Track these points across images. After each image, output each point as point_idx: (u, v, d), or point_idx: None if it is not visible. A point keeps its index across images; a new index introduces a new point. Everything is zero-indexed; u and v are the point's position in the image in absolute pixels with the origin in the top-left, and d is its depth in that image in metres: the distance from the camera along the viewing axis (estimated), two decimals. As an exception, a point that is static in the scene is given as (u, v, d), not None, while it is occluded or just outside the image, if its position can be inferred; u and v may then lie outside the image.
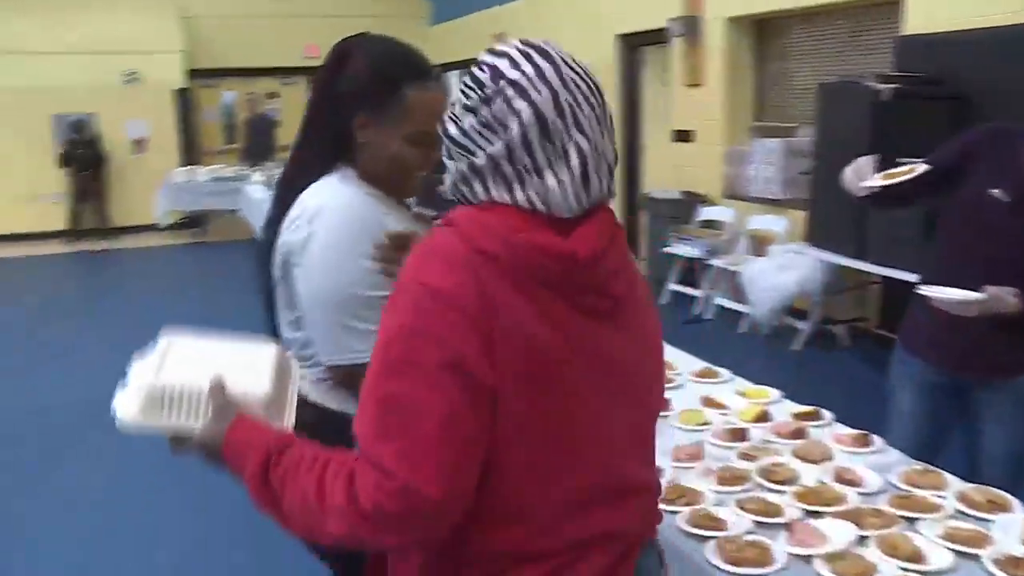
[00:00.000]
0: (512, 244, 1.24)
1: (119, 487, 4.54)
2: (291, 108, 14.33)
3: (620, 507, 1.38)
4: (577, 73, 1.29)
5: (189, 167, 12.21)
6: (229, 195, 10.91)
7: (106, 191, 12.79)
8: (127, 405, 1.40)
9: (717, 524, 1.93)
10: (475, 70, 1.30)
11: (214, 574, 3.70)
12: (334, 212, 1.82)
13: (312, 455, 1.28)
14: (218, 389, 1.39)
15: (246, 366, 1.47)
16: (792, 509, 1.99)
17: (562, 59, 1.30)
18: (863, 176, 2.74)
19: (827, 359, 6.19)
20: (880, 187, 2.68)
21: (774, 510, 1.98)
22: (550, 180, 1.27)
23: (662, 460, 2.26)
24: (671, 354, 3.26)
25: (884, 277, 5.61)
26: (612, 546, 1.37)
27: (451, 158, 1.33)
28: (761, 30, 7.68)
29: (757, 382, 2.90)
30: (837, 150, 5.70)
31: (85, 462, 4.84)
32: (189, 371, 1.41)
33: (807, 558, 1.80)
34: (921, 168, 2.66)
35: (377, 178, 1.92)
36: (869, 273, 5.76)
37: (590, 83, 1.30)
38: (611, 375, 1.35)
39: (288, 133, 13.16)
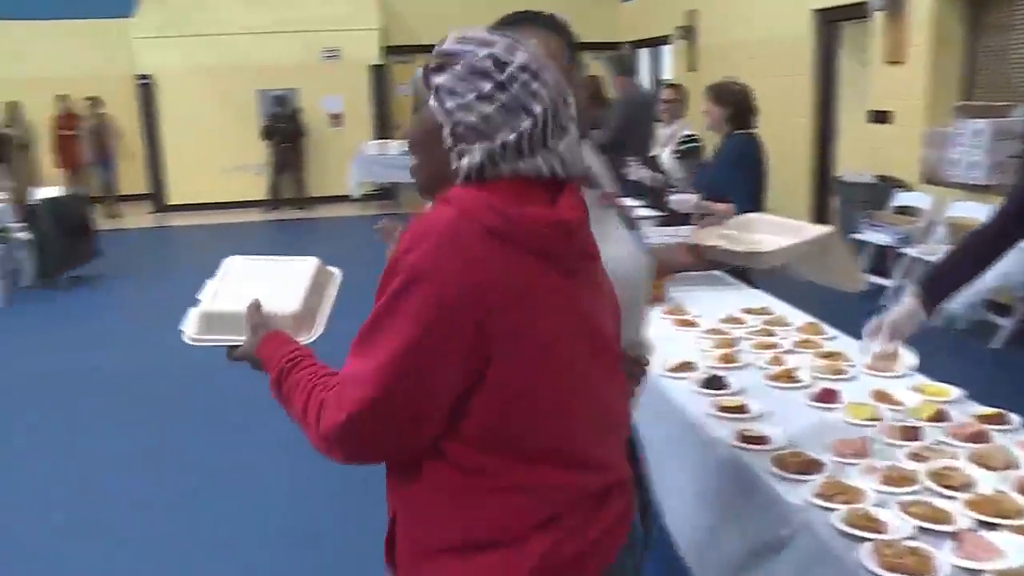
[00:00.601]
0: (511, 217, 1.34)
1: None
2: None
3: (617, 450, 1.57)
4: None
5: (381, 140, 12.59)
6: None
7: (304, 163, 13.37)
8: (189, 326, 1.76)
9: (876, 526, 1.80)
10: (475, 62, 1.36)
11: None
12: None
13: (308, 377, 1.49)
14: (254, 310, 1.67)
15: (285, 284, 1.75)
16: (963, 518, 1.83)
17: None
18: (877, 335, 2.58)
19: (1030, 359, 5.74)
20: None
21: (942, 516, 1.83)
22: (562, 147, 1.40)
23: (823, 454, 2.16)
24: (846, 344, 3.10)
25: (1100, 273, 5.14)
26: (623, 489, 1.54)
27: (465, 143, 1.38)
28: (975, 1, 7.15)
29: (945, 380, 2.68)
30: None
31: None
32: (237, 295, 1.73)
33: (975, 572, 1.66)
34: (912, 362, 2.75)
35: None
36: (1083, 268, 5.29)
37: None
38: (585, 327, 1.46)
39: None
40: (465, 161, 1.38)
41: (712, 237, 3.09)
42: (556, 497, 1.42)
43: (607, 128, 7.24)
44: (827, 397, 2.55)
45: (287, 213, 13.07)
